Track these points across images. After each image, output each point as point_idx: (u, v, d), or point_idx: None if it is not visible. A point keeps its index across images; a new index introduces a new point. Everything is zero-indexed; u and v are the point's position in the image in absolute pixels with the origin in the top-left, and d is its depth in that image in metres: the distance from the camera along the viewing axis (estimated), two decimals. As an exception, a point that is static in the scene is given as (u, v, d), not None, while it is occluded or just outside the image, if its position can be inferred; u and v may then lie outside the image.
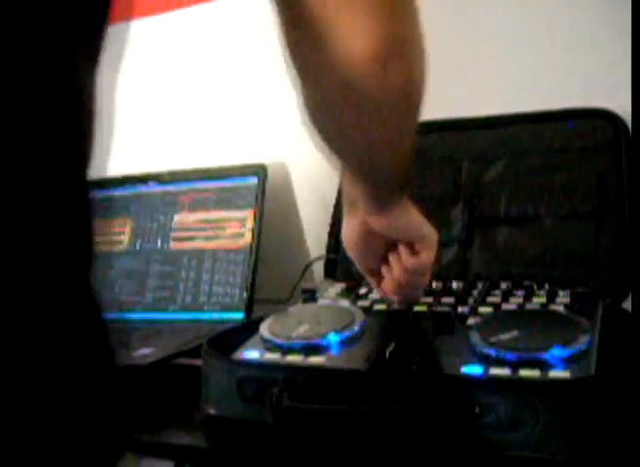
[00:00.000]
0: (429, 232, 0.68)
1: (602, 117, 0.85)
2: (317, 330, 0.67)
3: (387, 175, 0.60)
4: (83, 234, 0.42)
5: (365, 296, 0.79)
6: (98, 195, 1.15)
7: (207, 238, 1.03)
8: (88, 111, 0.42)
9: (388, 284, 0.71)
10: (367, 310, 0.73)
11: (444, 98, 0.98)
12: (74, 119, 0.41)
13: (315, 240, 1.01)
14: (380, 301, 0.75)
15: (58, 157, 0.40)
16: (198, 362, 0.68)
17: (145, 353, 0.81)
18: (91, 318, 0.43)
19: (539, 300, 0.72)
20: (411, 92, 0.50)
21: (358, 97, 0.48)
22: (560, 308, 0.69)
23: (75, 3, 0.41)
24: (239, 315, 0.97)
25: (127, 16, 1.20)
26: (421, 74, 0.49)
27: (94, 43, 0.44)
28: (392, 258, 0.69)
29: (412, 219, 0.67)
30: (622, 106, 0.83)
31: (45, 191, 0.39)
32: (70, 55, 0.40)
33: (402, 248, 0.68)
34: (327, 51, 0.46)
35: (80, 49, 0.41)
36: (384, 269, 0.71)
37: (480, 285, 0.78)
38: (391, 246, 0.69)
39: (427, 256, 0.68)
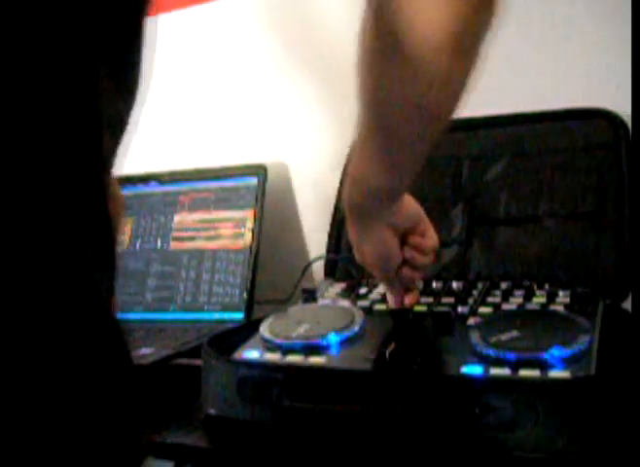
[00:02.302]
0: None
1: (602, 117, 0.85)
2: (317, 330, 0.67)
3: (417, 157, 0.59)
4: (97, 236, 0.42)
5: (365, 296, 0.79)
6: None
7: (207, 238, 1.03)
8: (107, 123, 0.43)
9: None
10: (367, 310, 0.73)
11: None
12: (88, 128, 0.41)
13: (315, 240, 1.01)
14: (380, 301, 0.75)
15: (75, 160, 0.40)
16: (198, 362, 0.68)
17: (145, 353, 0.81)
18: (104, 317, 0.43)
19: (539, 300, 0.72)
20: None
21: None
22: (560, 308, 0.69)
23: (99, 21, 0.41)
24: (239, 315, 0.97)
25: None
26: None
27: (119, 60, 0.44)
28: (408, 252, 0.69)
29: (412, 200, 0.68)
30: (622, 106, 0.83)
31: (63, 194, 0.39)
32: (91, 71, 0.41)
33: (414, 238, 0.69)
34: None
35: (103, 66, 0.42)
36: (406, 272, 0.70)
37: (480, 285, 0.78)
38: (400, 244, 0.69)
39: (432, 232, 0.70)
